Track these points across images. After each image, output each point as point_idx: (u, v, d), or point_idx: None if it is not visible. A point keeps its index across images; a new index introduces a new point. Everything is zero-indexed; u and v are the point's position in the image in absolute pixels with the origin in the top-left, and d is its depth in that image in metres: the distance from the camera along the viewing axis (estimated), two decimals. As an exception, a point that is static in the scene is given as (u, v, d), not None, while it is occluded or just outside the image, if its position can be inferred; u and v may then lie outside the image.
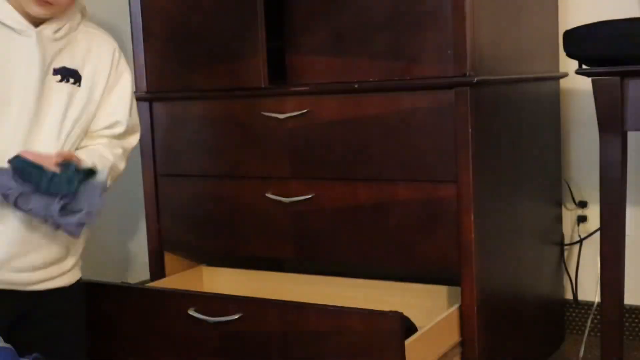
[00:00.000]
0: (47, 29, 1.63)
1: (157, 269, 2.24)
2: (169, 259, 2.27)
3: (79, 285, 1.77)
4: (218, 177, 2.11)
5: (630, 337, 2.29)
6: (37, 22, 1.62)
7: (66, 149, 1.64)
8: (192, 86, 2.10)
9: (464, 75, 1.75)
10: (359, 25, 1.86)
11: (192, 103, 2.13)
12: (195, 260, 2.35)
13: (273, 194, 2.01)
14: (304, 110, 1.95)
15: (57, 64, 1.65)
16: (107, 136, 1.75)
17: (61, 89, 1.65)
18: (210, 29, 2.04)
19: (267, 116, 2.00)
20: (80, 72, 1.69)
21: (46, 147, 1.60)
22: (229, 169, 2.09)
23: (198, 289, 2.23)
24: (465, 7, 1.73)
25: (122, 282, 2.34)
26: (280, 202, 2.00)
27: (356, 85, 1.87)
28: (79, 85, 1.69)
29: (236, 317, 1.73)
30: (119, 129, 1.75)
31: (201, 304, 1.78)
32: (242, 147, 2.06)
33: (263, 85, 1.96)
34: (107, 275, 2.54)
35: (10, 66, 1.60)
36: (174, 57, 2.12)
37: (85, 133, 1.72)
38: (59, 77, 1.65)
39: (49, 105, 1.63)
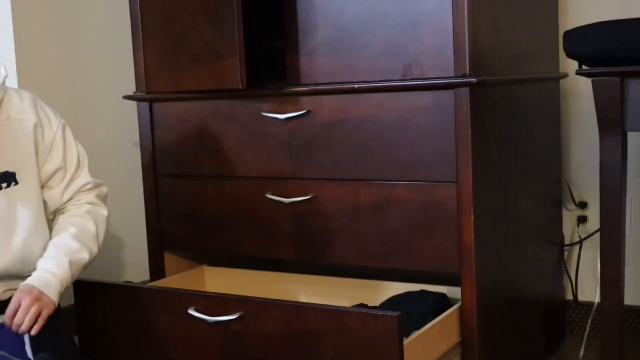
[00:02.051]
0: None
1: (157, 269, 2.24)
2: (170, 259, 2.27)
3: None
4: (218, 177, 2.11)
5: (631, 337, 2.29)
6: None
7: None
8: (186, 87, 2.10)
9: (464, 75, 1.75)
10: (358, 25, 1.86)
11: (192, 103, 2.13)
12: (195, 260, 2.35)
13: (273, 194, 2.01)
14: (304, 111, 1.95)
15: None
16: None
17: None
18: (196, 28, 2.01)
19: (267, 116, 2.00)
20: (13, 170, 1.69)
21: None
22: (229, 169, 2.09)
23: (199, 289, 2.23)
24: (465, 7, 1.73)
25: (124, 282, 2.34)
26: (280, 202, 2.00)
27: (356, 86, 1.87)
28: (16, 184, 1.69)
29: (236, 316, 1.73)
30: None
31: (201, 303, 1.78)
32: (242, 147, 2.06)
33: (240, 87, 1.93)
34: (107, 275, 2.54)
35: None
36: (172, 57, 2.12)
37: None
38: None
39: None
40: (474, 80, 1.74)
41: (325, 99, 1.92)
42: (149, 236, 2.25)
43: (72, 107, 2.29)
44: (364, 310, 1.74)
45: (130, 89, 2.21)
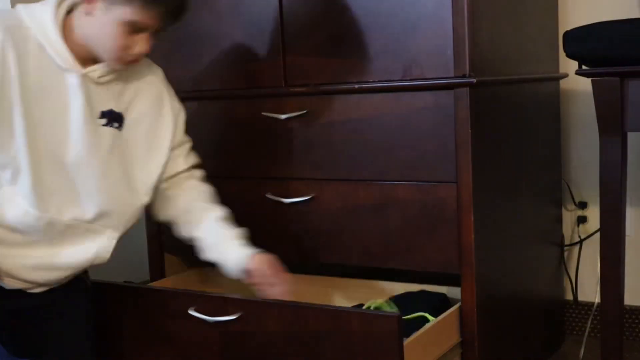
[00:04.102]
0: (94, 72, 1.62)
1: (157, 270, 2.25)
2: (170, 259, 2.27)
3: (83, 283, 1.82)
4: (218, 177, 2.10)
5: (630, 338, 2.29)
6: (84, 60, 1.60)
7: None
8: (192, 86, 2.11)
9: (464, 76, 1.75)
10: (358, 25, 1.86)
11: (191, 103, 2.12)
12: (196, 261, 2.34)
13: (273, 194, 2.01)
14: (304, 111, 1.95)
15: (104, 107, 1.66)
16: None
17: (104, 133, 1.66)
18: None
19: (268, 117, 2.00)
20: (124, 116, 1.70)
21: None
22: (229, 169, 2.09)
23: (199, 289, 2.23)
24: (464, 7, 1.73)
25: (124, 282, 2.34)
26: (280, 202, 2.00)
27: (356, 86, 1.87)
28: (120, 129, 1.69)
29: (236, 317, 1.73)
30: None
31: (201, 303, 1.78)
32: (242, 147, 2.06)
33: None
34: (107, 275, 2.54)
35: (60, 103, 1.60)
36: (174, 58, 2.12)
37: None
38: (104, 120, 1.65)
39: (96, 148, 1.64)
40: (474, 80, 1.74)
41: (325, 99, 1.92)
42: (149, 237, 2.25)
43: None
44: (364, 311, 1.74)
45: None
